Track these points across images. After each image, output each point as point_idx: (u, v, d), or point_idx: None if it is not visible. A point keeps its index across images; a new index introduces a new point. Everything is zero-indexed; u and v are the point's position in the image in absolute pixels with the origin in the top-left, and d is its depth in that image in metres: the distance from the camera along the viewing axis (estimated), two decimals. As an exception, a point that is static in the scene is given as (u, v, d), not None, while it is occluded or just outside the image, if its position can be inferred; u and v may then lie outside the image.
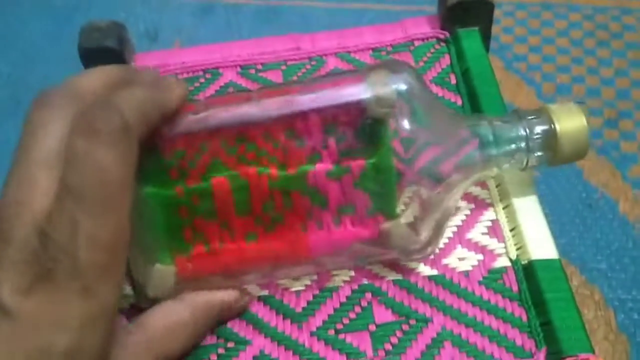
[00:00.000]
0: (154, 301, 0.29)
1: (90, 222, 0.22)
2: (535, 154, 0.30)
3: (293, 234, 0.29)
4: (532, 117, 0.31)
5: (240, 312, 0.31)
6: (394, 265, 0.32)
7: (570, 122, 0.30)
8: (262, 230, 0.29)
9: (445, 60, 0.40)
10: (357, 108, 0.28)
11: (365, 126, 0.28)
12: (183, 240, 0.28)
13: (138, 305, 0.29)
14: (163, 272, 0.29)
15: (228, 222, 0.28)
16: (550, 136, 0.30)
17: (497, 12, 0.51)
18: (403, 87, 0.28)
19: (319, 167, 0.28)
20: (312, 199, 0.28)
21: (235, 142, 0.28)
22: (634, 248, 0.40)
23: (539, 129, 0.30)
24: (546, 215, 0.32)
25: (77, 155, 0.22)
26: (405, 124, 0.28)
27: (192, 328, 0.28)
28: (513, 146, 0.30)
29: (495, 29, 0.51)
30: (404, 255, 0.31)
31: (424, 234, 0.29)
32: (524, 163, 0.31)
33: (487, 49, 0.41)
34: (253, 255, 0.29)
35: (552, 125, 0.30)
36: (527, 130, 0.30)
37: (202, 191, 0.28)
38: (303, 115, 0.28)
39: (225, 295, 0.30)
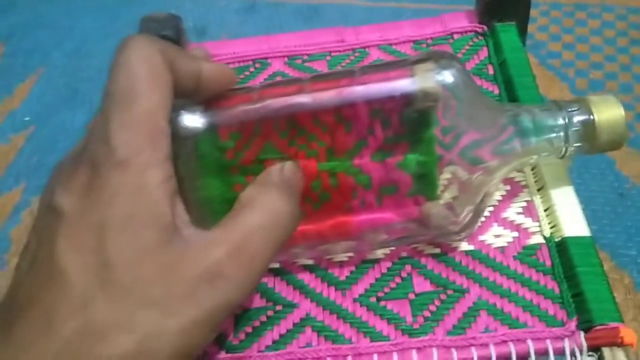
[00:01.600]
0: None
1: (118, 110, 0.24)
2: (574, 143, 0.31)
3: (338, 213, 0.31)
4: (571, 107, 0.31)
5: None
6: (432, 242, 0.34)
7: (608, 112, 0.31)
8: (310, 208, 0.31)
9: (483, 53, 0.42)
10: (403, 99, 0.30)
11: (410, 116, 0.30)
12: None
13: None
14: None
15: None
16: (589, 126, 0.31)
17: (532, 11, 0.52)
18: (449, 80, 0.29)
19: (365, 150, 0.30)
20: (356, 179, 0.30)
21: (287, 126, 0.30)
22: (664, 236, 0.41)
23: (578, 118, 0.31)
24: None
25: (111, 66, 0.25)
26: (450, 114, 0.30)
27: (286, 214, 0.26)
28: (552, 135, 0.31)
29: (530, 27, 0.53)
30: (443, 236, 0.33)
31: (462, 215, 0.31)
32: (563, 151, 0.32)
33: (523, 43, 0.43)
34: (302, 231, 0.31)
35: (591, 115, 0.31)
36: (567, 120, 0.31)
37: (256, 171, 0.30)
38: (352, 103, 0.30)
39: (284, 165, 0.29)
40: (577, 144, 0.31)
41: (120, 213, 0.23)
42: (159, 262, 0.22)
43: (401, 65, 0.31)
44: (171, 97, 0.26)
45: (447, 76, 0.29)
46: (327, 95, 0.30)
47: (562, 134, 0.31)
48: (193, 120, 0.29)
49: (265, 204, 0.26)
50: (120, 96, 0.24)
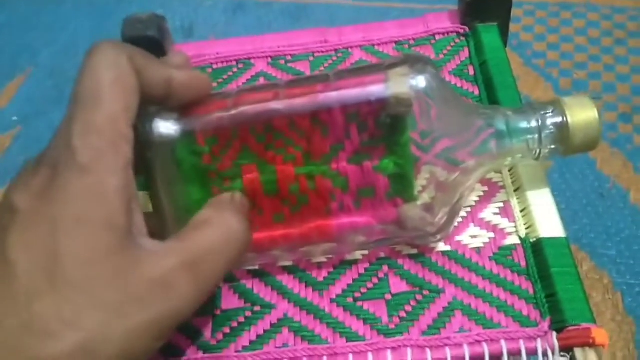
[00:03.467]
0: None
1: (81, 114, 0.24)
2: (548, 145, 0.31)
3: (318, 215, 0.31)
4: (545, 109, 0.32)
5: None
6: (410, 243, 0.34)
7: (582, 114, 0.31)
8: (288, 211, 0.31)
9: (465, 53, 0.42)
10: (377, 104, 0.30)
11: (385, 120, 0.30)
12: None
13: None
14: None
15: (256, 203, 0.30)
16: (563, 128, 0.31)
17: (517, 11, 0.53)
18: (422, 85, 0.29)
19: (341, 153, 0.30)
20: (333, 182, 0.30)
21: (263, 132, 0.30)
22: (644, 236, 0.41)
23: (551, 120, 0.31)
24: (558, 203, 0.34)
25: (79, 70, 0.25)
26: (425, 118, 0.30)
27: (237, 235, 0.27)
28: (526, 137, 0.31)
29: (515, 27, 0.53)
30: (419, 239, 0.33)
31: (439, 217, 0.31)
32: (537, 153, 0.32)
33: (504, 43, 0.43)
34: (281, 234, 0.31)
35: (564, 118, 0.31)
36: (540, 122, 0.31)
37: (233, 175, 0.30)
38: (327, 109, 0.30)
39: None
40: (551, 146, 0.32)
41: (75, 214, 0.23)
42: (111, 265, 0.22)
43: (377, 69, 0.31)
44: (136, 103, 0.26)
45: (420, 81, 0.29)
46: (302, 101, 0.30)
47: (536, 136, 0.31)
48: (167, 127, 0.29)
49: (220, 223, 0.27)
50: (85, 101, 0.24)
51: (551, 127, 0.31)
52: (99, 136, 0.24)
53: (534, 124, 0.31)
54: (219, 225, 0.27)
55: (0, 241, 0.23)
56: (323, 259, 0.34)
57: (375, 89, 0.30)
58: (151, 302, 0.23)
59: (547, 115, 0.31)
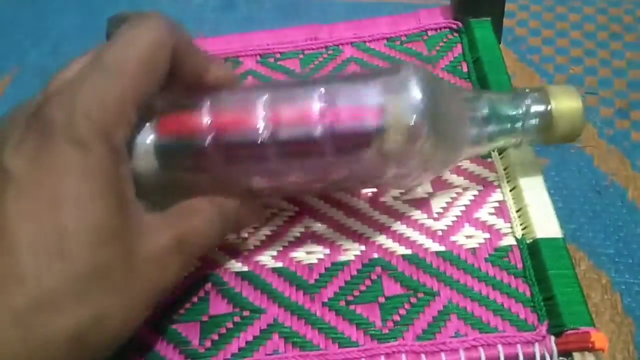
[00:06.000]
0: None
1: (101, 84, 0.23)
2: (531, 132, 0.31)
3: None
4: (530, 95, 0.31)
5: (257, 221, 0.33)
6: (403, 241, 0.33)
7: (565, 102, 0.31)
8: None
9: (458, 50, 0.41)
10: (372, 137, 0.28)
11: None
12: None
13: None
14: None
15: None
16: (546, 116, 0.31)
17: (512, 6, 0.52)
18: (419, 119, 0.27)
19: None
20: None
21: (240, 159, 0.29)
22: (643, 234, 0.40)
23: (535, 108, 0.31)
24: (555, 201, 0.33)
25: (119, 33, 0.25)
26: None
27: (210, 212, 0.29)
28: (508, 124, 0.31)
29: (510, 22, 0.52)
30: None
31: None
32: (519, 140, 0.32)
33: (498, 39, 0.42)
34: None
35: (548, 105, 0.31)
36: (524, 109, 0.31)
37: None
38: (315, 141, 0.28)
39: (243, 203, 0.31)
40: (533, 133, 0.31)
41: (76, 190, 0.22)
42: (116, 244, 0.23)
43: (368, 94, 0.28)
44: (156, 88, 0.26)
45: (414, 114, 0.28)
46: (289, 131, 0.28)
47: (519, 123, 0.31)
48: (147, 150, 0.28)
49: (202, 214, 0.29)
50: (106, 69, 0.23)
51: (535, 114, 0.31)
52: (104, 112, 0.23)
53: (518, 110, 0.31)
54: (202, 216, 0.28)
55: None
56: (314, 260, 0.33)
57: (371, 124, 0.28)
58: (149, 278, 0.24)
59: (531, 101, 0.31)
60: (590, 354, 0.28)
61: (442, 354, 0.29)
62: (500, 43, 0.42)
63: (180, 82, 0.27)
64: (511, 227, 0.33)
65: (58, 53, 0.62)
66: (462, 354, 0.29)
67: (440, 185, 0.35)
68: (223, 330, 0.31)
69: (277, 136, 0.28)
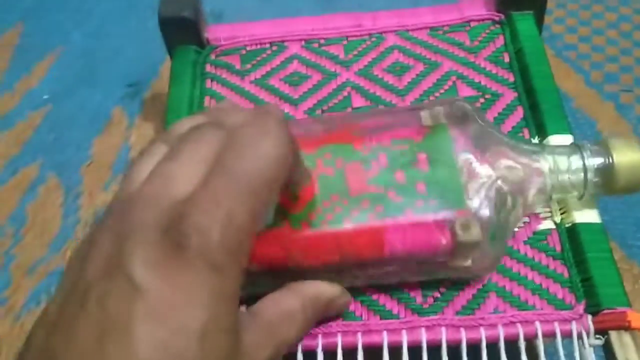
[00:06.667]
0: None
1: (236, 204, 0.22)
2: (592, 186, 0.31)
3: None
4: (591, 149, 0.31)
5: (343, 309, 0.32)
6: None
7: (627, 155, 0.31)
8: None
9: (500, 41, 0.42)
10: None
11: None
12: None
13: None
14: None
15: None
16: (607, 169, 0.31)
17: (549, 4, 0.52)
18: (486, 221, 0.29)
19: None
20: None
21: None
22: (674, 227, 0.41)
23: (596, 161, 0.31)
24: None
25: (243, 139, 0.23)
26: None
27: (303, 317, 0.28)
28: (571, 177, 0.31)
29: (547, 20, 0.53)
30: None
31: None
32: (581, 193, 0.32)
33: (539, 33, 0.43)
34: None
35: (610, 158, 0.31)
36: (585, 162, 0.31)
37: None
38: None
39: (330, 288, 0.30)
40: (595, 186, 0.31)
41: (207, 315, 0.21)
42: None
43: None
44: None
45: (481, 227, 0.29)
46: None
47: (581, 175, 0.31)
48: None
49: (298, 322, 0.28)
50: (238, 183, 0.22)
51: (596, 167, 0.31)
52: (239, 239, 0.22)
53: (579, 163, 0.31)
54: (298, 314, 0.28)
55: (128, 326, 0.20)
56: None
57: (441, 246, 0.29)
58: None
59: (593, 155, 0.31)
60: (626, 333, 0.29)
61: (481, 329, 0.31)
62: (541, 36, 0.43)
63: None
64: (550, 212, 0.34)
65: (101, 34, 0.63)
66: (500, 329, 0.30)
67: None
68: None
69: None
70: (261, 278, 0.31)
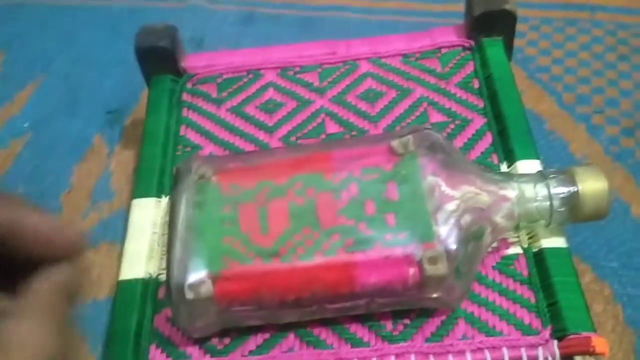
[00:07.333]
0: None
1: None
2: (557, 213, 0.32)
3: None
4: (556, 177, 0.32)
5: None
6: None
7: (592, 183, 0.31)
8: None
9: (470, 67, 0.43)
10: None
11: None
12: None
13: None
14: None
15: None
16: (573, 196, 0.31)
17: (522, 26, 0.53)
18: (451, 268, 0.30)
19: None
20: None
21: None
22: (646, 248, 0.42)
23: (561, 189, 0.32)
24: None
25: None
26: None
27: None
28: (535, 204, 0.32)
29: (520, 42, 0.54)
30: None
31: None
32: (548, 221, 0.32)
33: (509, 57, 0.44)
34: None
35: (574, 187, 0.31)
36: (550, 190, 0.32)
37: None
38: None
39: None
40: (561, 214, 0.32)
41: None
42: None
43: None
44: None
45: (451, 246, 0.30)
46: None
47: (547, 203, 0.32)
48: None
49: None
50: None
51: (561, 195, 0.32)
52: None
53: (544, 191, 0.32)
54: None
55: None
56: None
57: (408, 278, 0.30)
58: None
59: (558, 183, 0.32)
60: (591, 358, 0.30)
61: (450, 355, 0.31)
62: (510, 61, 0.43)
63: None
64: (518, 237, 0.35)
65: (83, 63, 0.64)
66: (468, 355, 0.31)
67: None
68: (241, 329, 0.33)
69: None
70: (233, 315, 0.31)
